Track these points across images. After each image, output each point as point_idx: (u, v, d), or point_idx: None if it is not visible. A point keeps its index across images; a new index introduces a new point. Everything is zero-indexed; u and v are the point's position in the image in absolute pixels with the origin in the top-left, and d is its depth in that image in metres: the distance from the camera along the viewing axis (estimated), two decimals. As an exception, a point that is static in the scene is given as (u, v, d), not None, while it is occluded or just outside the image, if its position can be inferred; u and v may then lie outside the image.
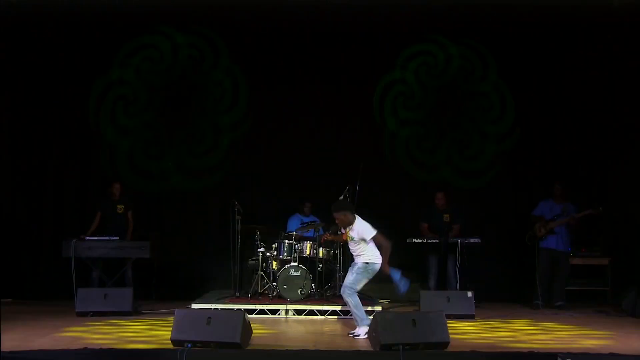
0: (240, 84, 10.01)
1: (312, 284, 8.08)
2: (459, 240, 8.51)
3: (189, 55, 10.00)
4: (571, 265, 9.11)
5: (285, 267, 8.07)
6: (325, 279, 8.64)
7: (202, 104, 9.98)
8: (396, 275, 6.37)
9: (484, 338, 6.35)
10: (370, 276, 6.44)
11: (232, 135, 9.97)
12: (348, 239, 6.48)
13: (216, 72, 10.04)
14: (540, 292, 8.70)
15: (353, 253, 6.53)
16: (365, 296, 8.43)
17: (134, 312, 7.71)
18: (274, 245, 8.39)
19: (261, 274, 8.30)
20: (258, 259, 8.30)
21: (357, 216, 6.48)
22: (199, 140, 9.96)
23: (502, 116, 10.06)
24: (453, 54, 10.11)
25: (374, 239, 6.39)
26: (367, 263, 6.36)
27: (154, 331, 6.66)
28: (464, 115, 10.06)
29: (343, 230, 6.55)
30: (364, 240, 6.37)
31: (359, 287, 6.44)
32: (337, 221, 6.52)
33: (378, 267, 6.37)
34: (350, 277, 6.41)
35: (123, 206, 8.98)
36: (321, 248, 8.45)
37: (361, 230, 6.40)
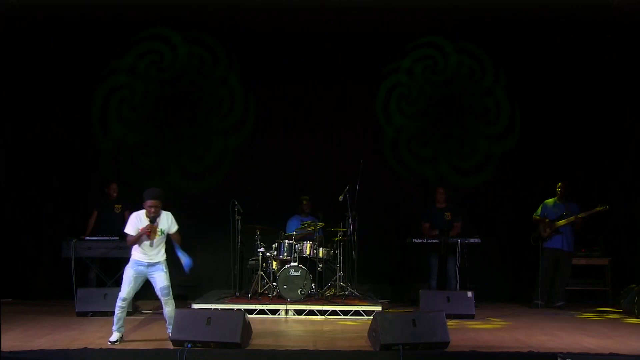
0: (238, 86, 10.05)
1: (312, 284, 8.08)
2: (459, 240, 8.51)
3: (190, 59, 10.01)
4: (571, 265, 9.10)
5: (285, 267, 8.07)
6: (325, 279, 8.65)
7: (202, 106, 10.00)
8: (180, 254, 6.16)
9: (484, 338, 6.34)
10: None
11: (233, 137, 10.00)
12: (156, 236, 6.04)
13: (216, 73, 10.05)
14: (541, 292, 8.69)
15: (154, 252, 6.08)
16: (366, 296, 8.46)
17: (134, 312, 7.72)
18: (274, 245, 8.40)
19: (261, 274, 8.31)
20: (258, 259, 8.30)
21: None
22: (200, 141, 10.00)
23: (497, 119, 10.07)
24: (453, 58, 10.11)
25: (174, 233, 6.19)
26: (165, 260, 6.19)
27: (153, 331, 6.66)
28: (463, 115, 10.06)
29: (155, 223, 6.04)
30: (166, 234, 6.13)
31: None
32: (153, 210, 6.01)
33: None
34: (167, 278, 6.11)
35: (120, 206, 8.98)
36: (321, 248, 8.45)
37: (170, 221, 6.18)
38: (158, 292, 6.11)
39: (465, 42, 10.10)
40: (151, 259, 6.07)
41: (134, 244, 6.03)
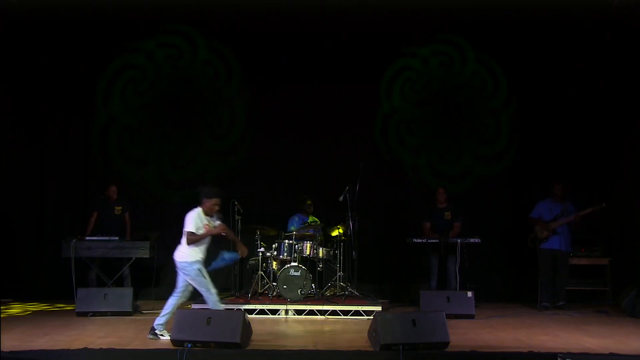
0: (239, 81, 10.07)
1: (312, 284, 8.07)
2: (459, 241, 8.51)
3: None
4: (571, 265, 9.09)
5: (285, 267, 8.07)
6: (325, 279, 8.65)
7: (203, 108, 10.02)
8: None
9: (484, 338, 6.34)
10: None
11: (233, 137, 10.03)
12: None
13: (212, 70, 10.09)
14: (545, 294, 8.66)
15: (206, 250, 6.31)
16: (366, 296, 8.46)
17: (134, 312, 7.72)
18: (274, 245, 8.40)
19: (261, 274, 8.31)
20: (258, 259, 8.30)
21: None
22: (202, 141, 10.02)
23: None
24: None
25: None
26: None
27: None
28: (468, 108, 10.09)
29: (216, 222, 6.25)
30: None
31: None
32: (217, 208, 6.21)
33: None
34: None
35: (120, 208, 8.98)
36: (321, 248, 8.45)
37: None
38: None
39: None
40: (204, 253, 6.27)
41: (198, 241, 6.16)
